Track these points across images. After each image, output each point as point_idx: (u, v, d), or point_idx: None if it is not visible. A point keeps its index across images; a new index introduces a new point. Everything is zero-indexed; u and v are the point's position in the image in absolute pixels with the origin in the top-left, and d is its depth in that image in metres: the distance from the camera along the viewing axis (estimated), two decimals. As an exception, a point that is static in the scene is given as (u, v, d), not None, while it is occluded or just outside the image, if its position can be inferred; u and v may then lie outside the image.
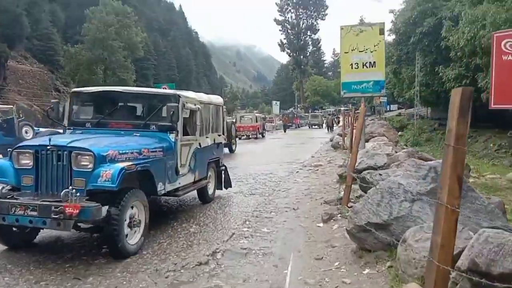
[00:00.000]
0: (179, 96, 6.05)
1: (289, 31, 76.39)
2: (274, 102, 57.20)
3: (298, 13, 77.28)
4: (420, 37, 30.07)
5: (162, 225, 5.77)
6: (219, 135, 7.84)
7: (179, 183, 6.09)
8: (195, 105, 6.37)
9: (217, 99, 7.86)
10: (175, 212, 6.80)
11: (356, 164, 6.63)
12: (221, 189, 7.94)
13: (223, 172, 7.91)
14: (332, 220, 5.64)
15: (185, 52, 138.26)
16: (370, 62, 9.15)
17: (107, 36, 59.79)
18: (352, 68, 9.32)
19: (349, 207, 5.66)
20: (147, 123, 5.92)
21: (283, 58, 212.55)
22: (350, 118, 16.26)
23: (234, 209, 6.99)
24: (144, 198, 4.97)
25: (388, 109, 65.37)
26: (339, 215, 5.72)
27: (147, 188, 5.24)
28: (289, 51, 76.47)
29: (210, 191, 7.52)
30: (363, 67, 9.21)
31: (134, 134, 5.80)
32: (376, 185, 4.71)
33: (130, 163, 4.77)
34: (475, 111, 30.40)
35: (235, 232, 5.41)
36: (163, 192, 5.58)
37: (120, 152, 4.85)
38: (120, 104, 6.46)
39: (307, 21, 77.91)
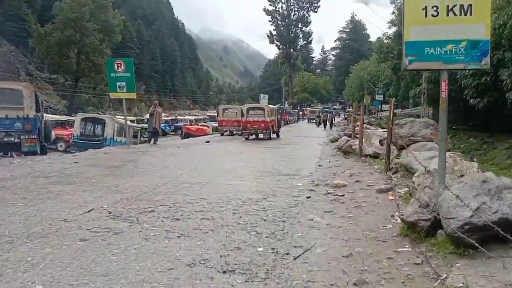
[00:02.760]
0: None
1: (279, 22, 72.00)
2: (261, 95, 52.56)
3: (289, 4, 72.94)
4: (429, 27, 26.07)
5: None
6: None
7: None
8: None
9: None
10: None
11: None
12: None
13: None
14: None
15: (170, 42, 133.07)
16: (462, 6, 4.81)
17: (80, 16, 54.37)
18: (426, 16, 4.92)
19: None
20: None
21: (271, 54, 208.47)
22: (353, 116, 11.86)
23: None
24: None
25: (380, 109, 61.66)
26: None
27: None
28: (278, 43, 72.14)
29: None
30: (447, 15, 4.84)
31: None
32: None
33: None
34: (488, 112, 26.65)
35: None
36: None
37: None
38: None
39: (298, 13, 73.65)
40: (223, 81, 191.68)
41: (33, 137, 12.31)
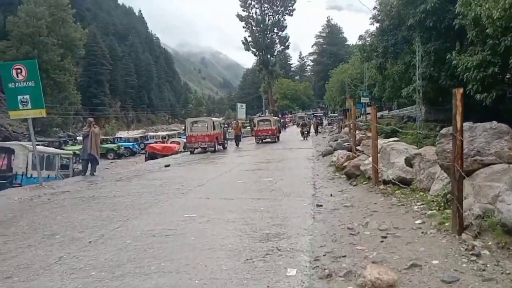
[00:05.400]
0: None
1: (253, 28, 67.84)
2: (239, 104, 48.43)
3: (263, 8, 69.00)
4: (422, 17, 23.04)
5: None
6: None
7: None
8: None
9: None
10: None
11: None
12: None
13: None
14: None
15: (145, 57, 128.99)
16: None
17: (37, 31, 49.76)
18: None
19: None
20: None
21: (249, 63, 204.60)
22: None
23: None
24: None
25: (364, 112, 58.18)
26: None
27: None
28: (254, 50, 67.96)
29: None
30: None
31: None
32: None
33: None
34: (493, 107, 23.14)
35: None
36: None
37: None
38: None
39: (273, 17, 69.64)
40: (202, 93, 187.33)
41: None
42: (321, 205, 6.77)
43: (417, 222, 5.17)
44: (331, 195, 7.70)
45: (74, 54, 55.77)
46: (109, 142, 41.08)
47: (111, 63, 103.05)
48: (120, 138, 45.54)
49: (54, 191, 9.51)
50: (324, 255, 4.30)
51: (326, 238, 4.95)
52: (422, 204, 5.94)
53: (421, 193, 6.53)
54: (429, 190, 6.46)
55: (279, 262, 4.13)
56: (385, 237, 4.72)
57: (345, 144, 13.90)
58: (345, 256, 4.22)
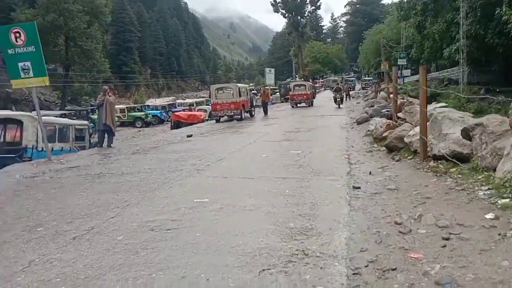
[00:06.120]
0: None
1: (282, -13, 65.02)
2: (267, 69, 46.55)
3: (293, -34, 65.68)
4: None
5: None
6: None
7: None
8: None
9: None
10: None
11: None
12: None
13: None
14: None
15: (173, 23, 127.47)
16: None
17: (62, -2, 49.05)
18: None
19: None
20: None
21: (279, 27, 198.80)
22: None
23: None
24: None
25: (400, 75, 55.18)
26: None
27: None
28: (284, 11, 65.29)
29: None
30: None
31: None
32: None
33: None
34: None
35: None
36: None
37: None
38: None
39: (303, -25, 66.43)
40: (231, 59, 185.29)
41: None
42: (359, 187, 5.61)
43: (488, 216, 3.94)
44: (370, 173, 6.50)
45: (100, 21, 54.91)
46: (136, 110, 40.69)
47: (140, 30, 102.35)
48: (148, 106, 45.09)
49: (61, 166, 8.73)
50: (366, 266, 3.20)
51: (368, 237, 3.83)
52: (489, 189, 4.68)
53: (485, 173, 5.25)
54: (494, 170, 5.17)
55: (305, 275, 3.06)
56: (447, 239, 3.55)
57: (383, 110, 12.48)
58: (395, 269, 3.10)
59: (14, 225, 4.66)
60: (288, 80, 60.70)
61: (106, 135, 12.40)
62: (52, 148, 11.15)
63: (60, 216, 4.92)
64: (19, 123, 11.29)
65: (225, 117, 21.42)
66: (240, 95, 21.11)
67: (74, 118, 31.24)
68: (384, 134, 9.12)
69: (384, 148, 8.43)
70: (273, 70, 47.23)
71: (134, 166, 8.36)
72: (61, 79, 53.10)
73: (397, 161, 7.28)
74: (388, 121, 10.09)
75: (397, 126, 9.22)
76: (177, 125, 23.65)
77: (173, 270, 3.29)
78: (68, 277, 3.23)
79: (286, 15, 65.69)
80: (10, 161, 9.89)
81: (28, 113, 12.05)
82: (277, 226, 4.18)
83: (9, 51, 9.02)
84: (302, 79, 54.80)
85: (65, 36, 51.04)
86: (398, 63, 49.49)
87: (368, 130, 11.13)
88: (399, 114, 10.45)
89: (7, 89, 42.24)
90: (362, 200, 5.06)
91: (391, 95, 12.36)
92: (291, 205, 4.88)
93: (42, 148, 10.51)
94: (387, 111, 11.86)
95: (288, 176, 6.51)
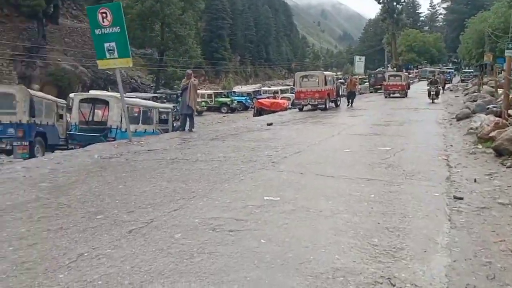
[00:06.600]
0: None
1: (378, -29, 61.53)
2: (357, 57, 44.48)
3: (391, -51, 61.73)
4: None
5: None
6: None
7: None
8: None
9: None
10: None
11: None
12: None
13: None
14: None
15: (264, 10, 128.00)
16: None
17: (160, -15, 51.15)
18: None
19: None
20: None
21: (372, 14, 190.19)
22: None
23: None
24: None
25: (505, 68, 49.41)
26: None
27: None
28: (379, -3, 61.85)
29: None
30: None
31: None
32: None
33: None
34: None
35: None
36: None
37: None
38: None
39: (401, -42, 62.21)
40: (320, 47, 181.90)
41: (25, 144, 11.24)
42: (461, 198, 4.65)
43: None
44: (474, 180, 5.45)
45: (194, 7, 56.56)
46: (223, 96, 41.31)
47: (232, 18, 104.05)
48: (234, 92, 45.62)
49: (140, 149, 8.72)
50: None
51: (475, 268, 2.98)
52: None
53: None
54: None
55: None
56: None
57: (490, 106, 10.88)
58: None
59: (76, 210, 4.49)
60: (379, 69, 57.75)
61: (188, 119, 12.37)
62: (136, 130, 11.37)
63: (123, 204, 4.67)
64: (106, 103, 11.69)
65: (309, 106, 20.62)
66: (325, 84, 20.13)
67: (165, 101, 32.56)
68: (492, 134, 7.80)
69: (491, 150, 7.17)
70: (363, 58, 45.02)
71: (209, 153, 8.05)
72: (156, 63, 55.86)
73: (509, 167, 6.07)
74: (497, 118, 8.65)
75: (508, 125, 7.84)
76: (259, 112, 23.34)
77: (228, 285, 2.76)
78: (110, 281, 2.86)
79: (381, 0, 62.27)
80: (95, 140, 10.21)
81: (114, 94, 12.41)
82: (358, 241, 3.47)
83: (97, 32, 9.20)
84: (395, 69, 51.73)
85: (161, 22, 53.21)
86: (506, 54, 44.48)
87: (471, 128, 9.71)
88: (511, 112, 8.95)
89: (107, 71, 45.47)
90: (466, 215, 4.13)
91: (499, 89, 10.71)
92: (376, 215, 4.12)
93: (126, 129, 10.71)
94: (494, 107, 10.30)
95: (374, 177, 5.68)
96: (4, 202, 4.81)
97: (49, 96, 13.77)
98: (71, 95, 16.13)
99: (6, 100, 11.44)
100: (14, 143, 11.19)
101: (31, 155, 10.92)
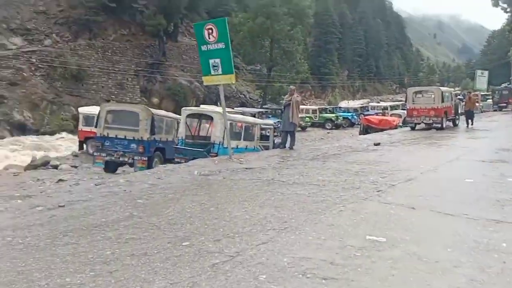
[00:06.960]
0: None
1: (507, -23, 55.52)
2: (478, 71, 40.34)
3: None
4: None
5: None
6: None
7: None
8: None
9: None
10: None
11: None
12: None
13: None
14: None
15: (375, 23, 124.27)
16: None
17: (270, 2, 52.41)
18: None
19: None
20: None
21: (496, 25, 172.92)
22: None
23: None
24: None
25: None
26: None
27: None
28: (505, 5, 55.76)
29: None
30: None
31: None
32: None
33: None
34: None
35: None
36: None
37: None
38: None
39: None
40: (436, 60, 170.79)
41: (144, 159, 12.63)
42: None
43: None
44: None
45: (303, 22, 56.79)
46: (328, 112, 40.53)
47: (341, 31, 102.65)
48: (340, 108, 44.53)
49: (238, 166, 8.55)
50: None
51: None
52: None
53: None
54: None
55: None
56: None
57: None
58: None
59: (164, 233, 4.30)
60: (503, 85, 51.79)
61: (289, 136, 12.03)
62: (237, 146, 11.34)
63: (211, 230, 4.38)
64: (211, 119, 11.97)
65: (422, 125, 18.97)
66: (442, 100, 18.36)
67: (270, 116, 32.86)
68: None
69: None
70: (486, 73, 40.62)
71: (307, 175, 7.54)
72: (263, 79, 57.14)
73: None
74: None
75: None
76: (366, 130, 22.21)
77: None
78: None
79: (508, 9, 56.06)
80: (199, 155, 10.36)
81: (218, 110, 12.62)
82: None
83: (203, 48, 9.35)
84: (524, 85, 45.93)
85: (270, 38, 54.35)
86: None
87: None
88: None
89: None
90: None
91: None
92: (511, 273, 3.23)
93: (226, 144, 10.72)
94: None
95: (505, 220, 4.65)
96: (100, 219, 4.86)
97: (171, 114, 15.09)
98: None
99: (132, 118, 12.87)
100: (135, 157, 12.58)
101: (149, 167, 11.83)
